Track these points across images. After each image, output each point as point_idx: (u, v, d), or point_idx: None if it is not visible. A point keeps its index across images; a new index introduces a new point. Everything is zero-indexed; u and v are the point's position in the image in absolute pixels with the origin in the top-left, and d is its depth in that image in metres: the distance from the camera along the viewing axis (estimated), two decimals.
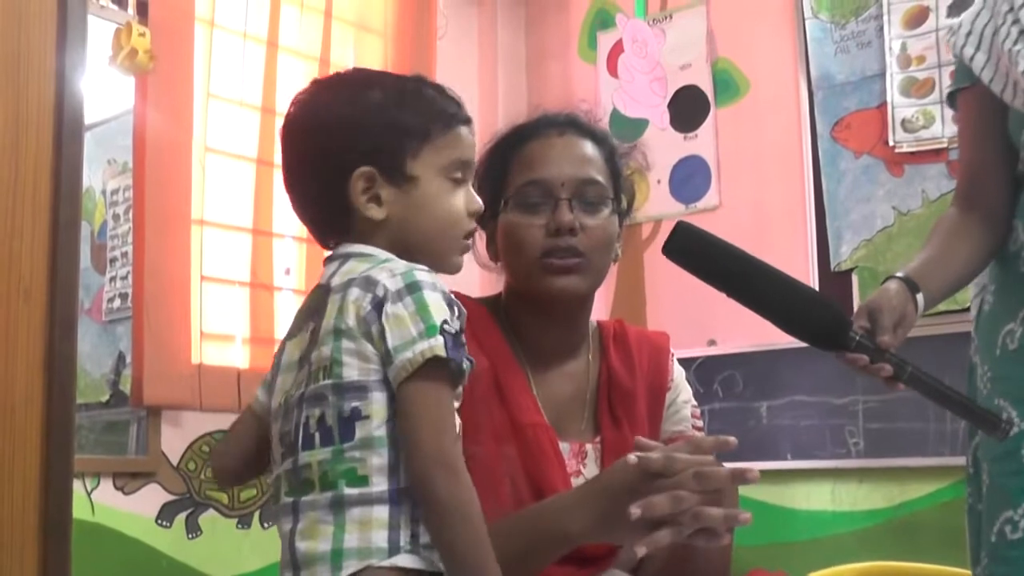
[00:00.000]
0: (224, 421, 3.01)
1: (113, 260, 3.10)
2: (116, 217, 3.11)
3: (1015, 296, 1.61)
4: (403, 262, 1.18)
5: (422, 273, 1.16)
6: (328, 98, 1.26)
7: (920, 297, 1.56)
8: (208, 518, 3.01)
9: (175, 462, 2.96)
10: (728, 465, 1.30)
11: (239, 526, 3.08)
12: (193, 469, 2.99)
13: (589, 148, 1.57)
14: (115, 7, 2.95)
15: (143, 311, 2.88)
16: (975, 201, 1.69)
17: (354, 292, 1.15)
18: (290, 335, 1.26)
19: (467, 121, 1.28)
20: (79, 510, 2.30)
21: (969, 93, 1.69)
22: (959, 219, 1.69)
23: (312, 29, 3.41)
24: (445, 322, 1.13)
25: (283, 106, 3.25)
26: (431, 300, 1.13)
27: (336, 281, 1.19)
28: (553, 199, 1.51)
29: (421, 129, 1.23)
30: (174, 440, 2.97)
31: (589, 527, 1.30)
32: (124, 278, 3.04)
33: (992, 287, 1.67)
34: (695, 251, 1.43)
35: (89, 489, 2.76)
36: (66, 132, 1.91)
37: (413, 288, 1.13)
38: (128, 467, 2.89)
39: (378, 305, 1.13)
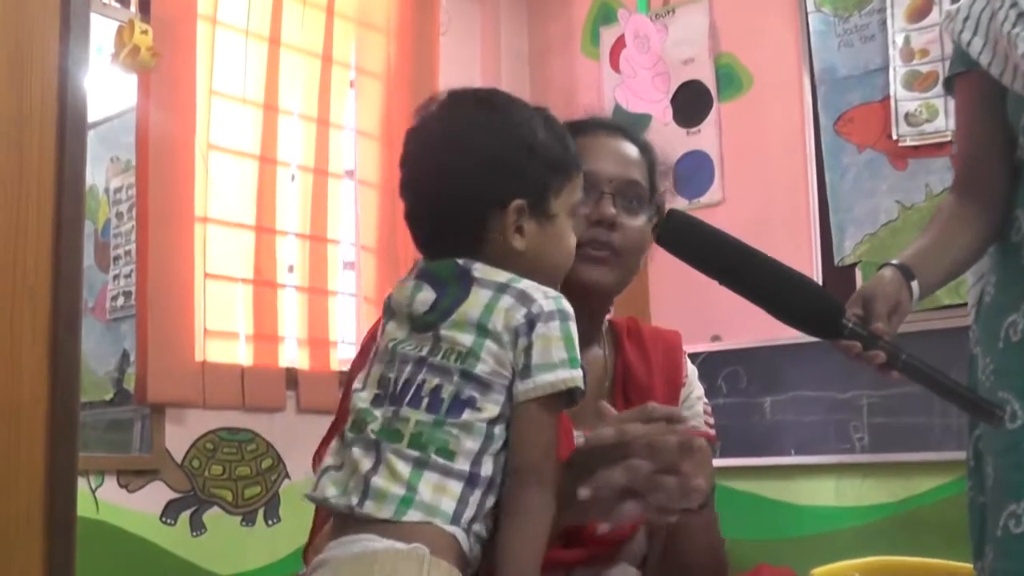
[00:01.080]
0: (228, 418, 3.06)
1: (116, 258, 3.11)
2: (119, 215, 3.11)
3: (1017, 287, 1.60)
4: (551, 289, 1.24)
5: (568, 303, 1.22)
6: (488, 123, 1.27)
7: (915, 284, 1.55)
8: (212, 515, 3.02)
9: (179, 460, 2.97)
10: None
11: (243, 523, 3.08)
12: (197, 467, 3.00)
13: (636, 153, 1.59)
14: (117, 5, 2.96)
15: (147, 309, 2.89)
16: (973, 188, 1.69)
17: (507, 299, 1.20)
18: (398, 285, 1.30)
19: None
20: (83, 508, 2.30)
21: (967, 78, 1.69)
22: (957, 206, 1.69)
23: (314, 26, 3.41)
24: (580, 355, 1.21)
25: (286, 103, 3.28)
26: (574, 332, 1.21)
27: (479, 273, 1.23)
28: (597, 191, 1.52)
29: (566, 170, 1.29)
30: (178, 438, 2.97)
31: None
32: (128, 276, 3.04)
33: (993, 278, 1.67)
34: (687, 239, 1.45)
35: (93, 487, 2.76)
36: (69, 130, 1.91)
37: (563, 316, 1.20)
38: (132, 465, 2.89)
39: (531, 321, 1.19)
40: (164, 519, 2.91)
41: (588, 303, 1.57)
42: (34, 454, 1.83)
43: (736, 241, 1.45)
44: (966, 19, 1.64)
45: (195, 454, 3.00)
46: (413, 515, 1.13)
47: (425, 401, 1.18)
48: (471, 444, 1.16)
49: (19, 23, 1.88)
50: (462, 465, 1.16)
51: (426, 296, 1.24)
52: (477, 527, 1.17)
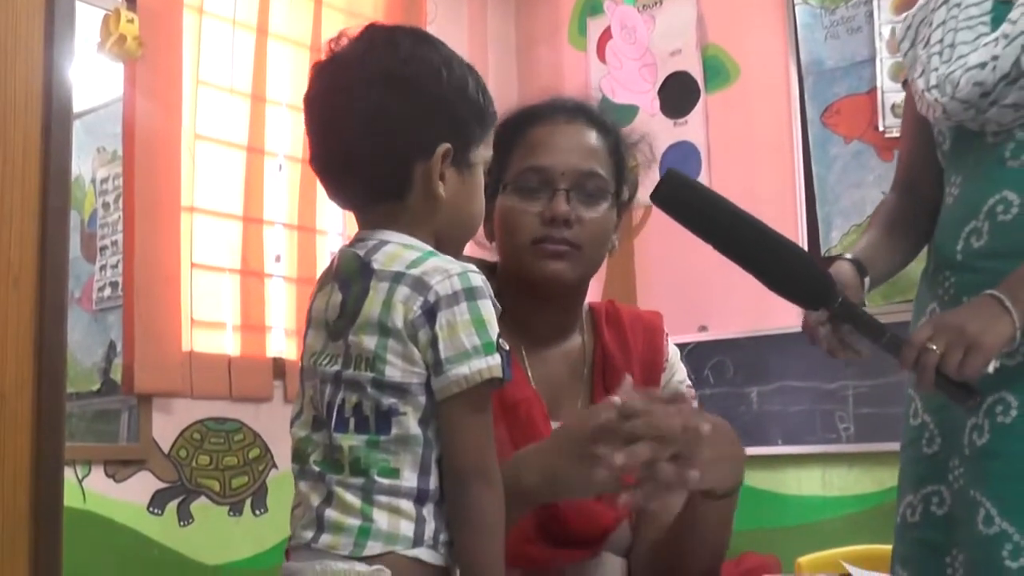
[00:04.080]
0: (215, 408, 3.06)
1: (103, 249, 3.10)
2: (106, 205, 3.10)
3: (925, 295, 1.65)
4: (456, 262, 1.15)
5: (476, 277, 1.13)
6: (420, 58, 1.19)
7: (867, 281, 1.58)
8: (199, 505, 3.01)
9: (166, 449, 2.96)
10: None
11: (231, 513, 3.08)
12: (184, 456, 2.99)
13: (595, 139, 1.55)
14: None
15: (133, 299, 2.88)
16: (911, 190, 1.72)
17: (403, 291, 1.12)
18: (318, 288, 1.23)
19: None
20: (70, 498, 2.30)
21: (911, 84, 1.71)
22: (899, 205, 1.72)
23: (302, 15, 3.40)
24: (499, 336, 1.12)
25: (273, 93, 3.27)
26: (485, 311, 1.12)
27: (379, 264, 1.15)
28: (552, 188, 1.50)
29: (487, 120, 1.23)
30: (165, 427, 2.97)
31: (543, 479, 1.27)
32: (114, 266, 3.03)
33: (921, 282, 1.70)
34: (684, 199, 1.41)
35: (80, 477, 2.76)
36: (54, 119, 1.90)
37: (469, 295, 1.11)
38: (119, 455, 2.89)
39: (429, 312, 1.10)
40: (151, 509, 2.91)
41: (556, 296, 1.55)
42: (20, 444, 1.83)
43: (732, 205, 1.43)
44: (908, 27, 1.66)
45: (182, 444, 3.00)
46: (373, 547, 1.09)
47: (351, 422, 1.12)
48: (411, 457, 1.11)
49: (3, 11, 1.87)
50: (409, 481, 1.11)
51: (336, 299, 1.17)
52: (444, 536, 1.12)
